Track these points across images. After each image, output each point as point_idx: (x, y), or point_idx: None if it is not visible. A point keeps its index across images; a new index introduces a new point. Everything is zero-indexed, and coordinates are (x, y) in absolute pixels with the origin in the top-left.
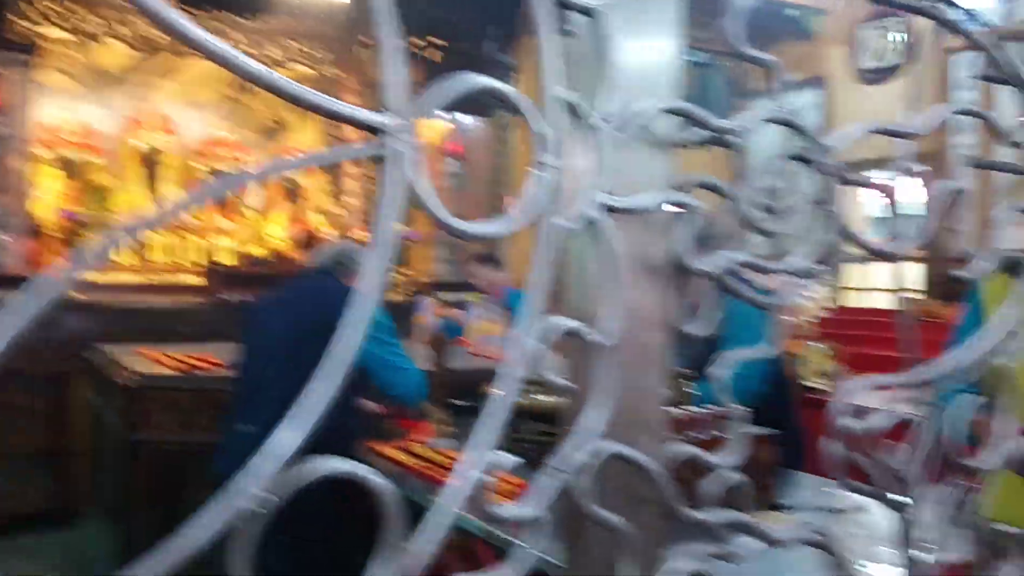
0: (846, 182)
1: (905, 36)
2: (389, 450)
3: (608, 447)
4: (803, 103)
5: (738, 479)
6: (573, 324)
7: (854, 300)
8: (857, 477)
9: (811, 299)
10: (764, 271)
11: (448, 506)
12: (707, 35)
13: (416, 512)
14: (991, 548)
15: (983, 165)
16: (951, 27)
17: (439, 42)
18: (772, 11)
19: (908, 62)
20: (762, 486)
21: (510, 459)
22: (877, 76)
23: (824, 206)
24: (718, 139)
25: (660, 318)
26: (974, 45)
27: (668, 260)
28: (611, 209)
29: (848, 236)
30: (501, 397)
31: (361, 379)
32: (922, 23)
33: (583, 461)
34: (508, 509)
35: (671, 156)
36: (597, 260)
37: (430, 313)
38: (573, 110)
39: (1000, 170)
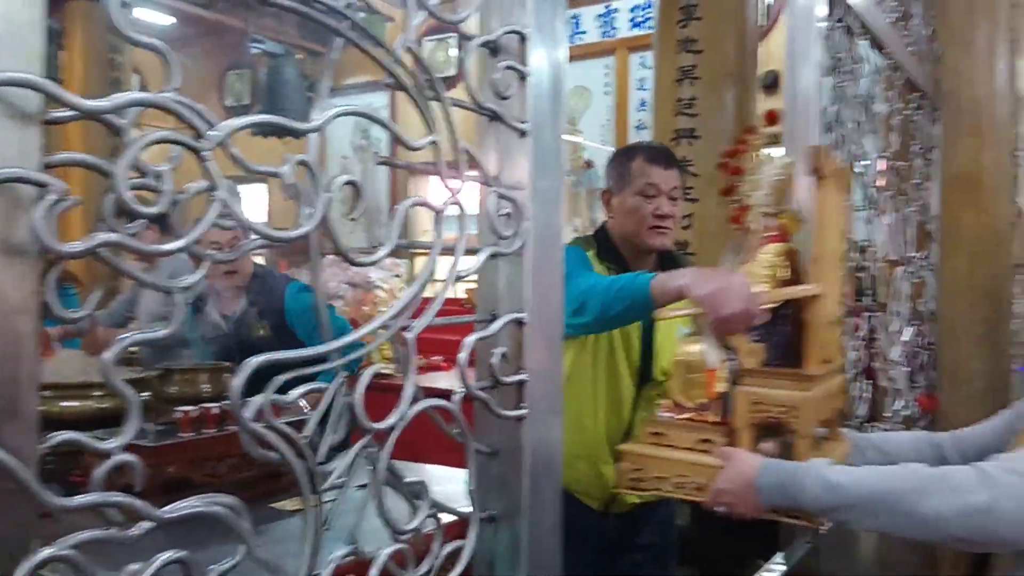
0: (249, 171)
1: (459, 51)
2: None
3: None
4: (378, 103)
5: (126, 459)
6: None
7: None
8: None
9: (385, 287)
10: (139, 252)
11: None
12: (280, 26)
13: None
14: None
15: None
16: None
17: None
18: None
19: (459, 75)
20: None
21: None
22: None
23: (211, 192)
24: (98, 118)
25: (29, 304)
26: (373, 56)
27: (33, 241)
28: None
29: (237, 218)
30: None
31: None
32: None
33: None
34: None
35: (38, 132)
36: None
37: None
38: None
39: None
